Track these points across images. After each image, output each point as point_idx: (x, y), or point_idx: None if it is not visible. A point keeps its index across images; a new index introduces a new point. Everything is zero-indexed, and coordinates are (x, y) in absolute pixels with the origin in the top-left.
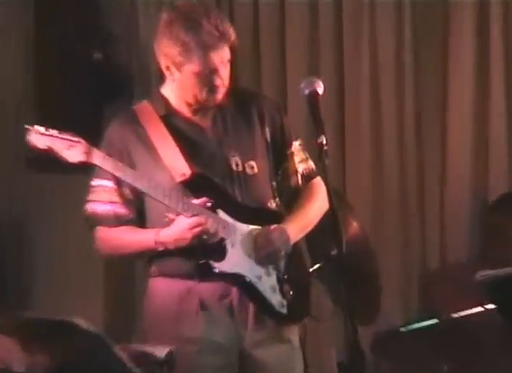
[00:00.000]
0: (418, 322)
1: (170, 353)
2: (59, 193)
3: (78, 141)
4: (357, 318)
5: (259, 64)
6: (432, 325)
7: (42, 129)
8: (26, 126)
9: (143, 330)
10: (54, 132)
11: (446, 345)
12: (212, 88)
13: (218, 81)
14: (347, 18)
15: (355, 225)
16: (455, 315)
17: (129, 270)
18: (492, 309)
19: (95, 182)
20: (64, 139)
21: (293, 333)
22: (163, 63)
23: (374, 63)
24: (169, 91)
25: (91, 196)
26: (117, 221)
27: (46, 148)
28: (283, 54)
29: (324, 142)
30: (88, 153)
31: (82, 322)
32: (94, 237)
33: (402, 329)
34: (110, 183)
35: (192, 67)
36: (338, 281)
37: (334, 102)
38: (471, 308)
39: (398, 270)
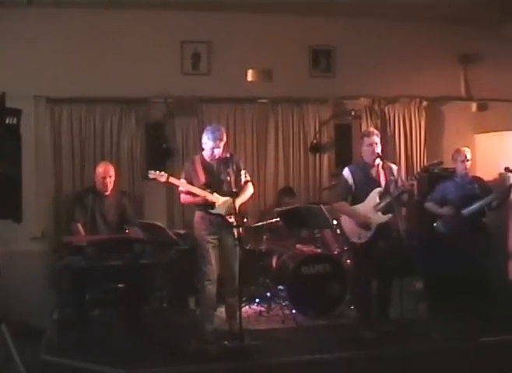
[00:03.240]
0: None
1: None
2: None
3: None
4: None
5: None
6: None
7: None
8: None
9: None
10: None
11: None
12: (214, 152)
13: (216, 151)
14: None
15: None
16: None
17: None
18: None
19: None
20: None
21: None
22: (203, 142)
23: None
24: (204, 153)
25: None
26: None
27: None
28: None
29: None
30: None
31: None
32: None
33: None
34: None
35: (210, 145)
36: None
37: None
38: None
39: None
